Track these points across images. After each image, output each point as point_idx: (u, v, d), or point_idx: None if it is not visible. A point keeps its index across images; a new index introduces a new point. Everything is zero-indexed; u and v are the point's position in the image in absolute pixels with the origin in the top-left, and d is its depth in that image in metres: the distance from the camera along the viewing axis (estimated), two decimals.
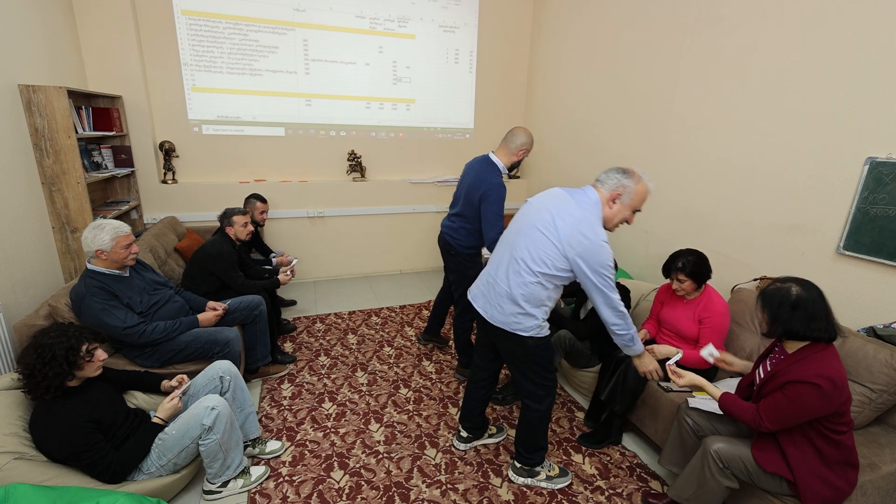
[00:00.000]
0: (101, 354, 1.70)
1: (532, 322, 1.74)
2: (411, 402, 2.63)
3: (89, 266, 2.10)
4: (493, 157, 2.49)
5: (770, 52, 2.41)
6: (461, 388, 2.78)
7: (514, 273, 1.73)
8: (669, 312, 2.30)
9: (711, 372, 2.16)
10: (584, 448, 2.30)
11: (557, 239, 1.64)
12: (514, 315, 1.74)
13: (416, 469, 2.13)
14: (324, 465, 2.13)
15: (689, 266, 2.14)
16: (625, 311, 1.73)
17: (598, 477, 2.12)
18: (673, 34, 2.99)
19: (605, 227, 1.69)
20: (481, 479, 2.08)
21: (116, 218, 2.37)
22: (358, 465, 2.14)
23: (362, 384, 2.79)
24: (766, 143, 2.46)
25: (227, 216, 2.87)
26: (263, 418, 2.44)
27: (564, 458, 2.24)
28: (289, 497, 1.95)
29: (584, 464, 2.20)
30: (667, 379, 1.92)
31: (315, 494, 1.96)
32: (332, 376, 2.85)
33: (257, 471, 2.03)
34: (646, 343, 2.18)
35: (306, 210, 4.27)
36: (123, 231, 2.11)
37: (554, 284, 1.73)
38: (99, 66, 3.43)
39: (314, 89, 4.13)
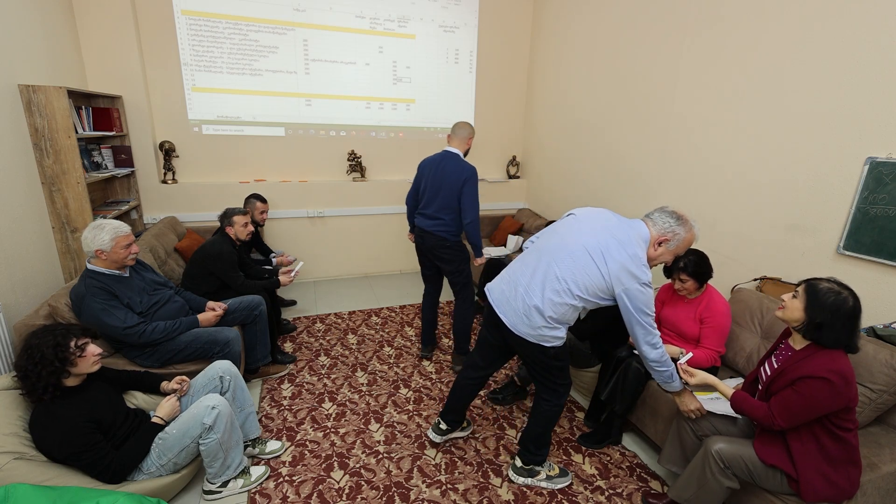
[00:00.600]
0: (93, 349, 1.69)
1: (557, 333, 1.77)
2: (411, 402, 2.63)
3: (89, 266, 2.10)
4: (453, 150, 2.71)
5: (770, 52, 2.41)
6: None
7: (553, 291, 1.71)
8: (671, 312, 2.30)
9: (712, 371, 2.16)
10: (584, 448, 2.30)
11: (607, 272, 1.64)
12: (540, 328, 1.74)
13: (416, 469, 2.13)
14: (324, 465, 2.13)
15: (691, 266, 2.14)
16: (663, 347, 1.74)
17: (598, 477, 2.12)
18: (673, 34, 2.99)
19: None
20: (481, 479, 2.08)
21: (116, 218, 2.37)
22: (358, 465, 2.14)
23: (362, 384, 2.79)
24: (766, 143, 2.46)
25: (227, 216, 2.87)
26: (263, 418, 2.44)
27: (564, 458, 2.24)
28: (289, 497, 1.95)
29: (584, 464, 2.20)
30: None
31: (315, 494, 1.96)
32: (332, 376, 2.85)
33: (257, 471, 2.03)
34: None
35: (306, 210, 4.27)
36: (123, 231, 2.11)
37: (584, 306, 1.75)
38: (99, 66, 3.43)
39: (314, 89, 4.14)
